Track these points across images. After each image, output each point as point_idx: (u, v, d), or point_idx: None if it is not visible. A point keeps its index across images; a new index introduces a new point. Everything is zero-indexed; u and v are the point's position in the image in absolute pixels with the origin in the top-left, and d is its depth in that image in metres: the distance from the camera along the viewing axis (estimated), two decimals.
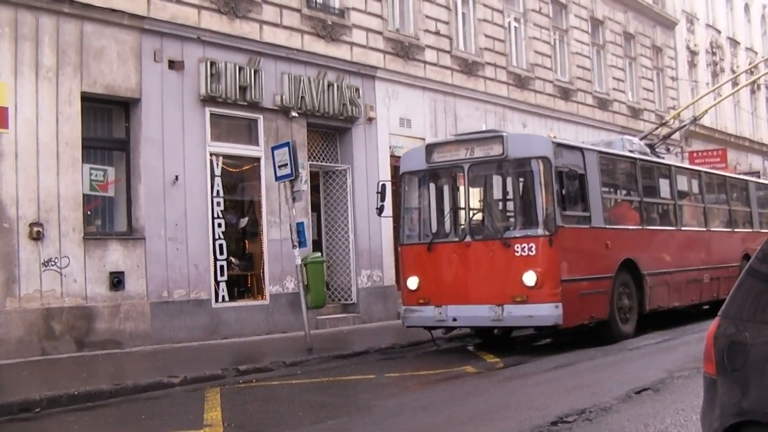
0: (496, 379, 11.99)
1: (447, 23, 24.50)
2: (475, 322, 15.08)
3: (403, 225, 16.20)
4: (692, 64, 40.70)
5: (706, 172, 22.20)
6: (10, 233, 14.24)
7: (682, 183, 20.07)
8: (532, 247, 14.16)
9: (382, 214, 16.73)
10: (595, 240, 15.38)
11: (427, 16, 23.72)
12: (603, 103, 32.72)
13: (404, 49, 22.75)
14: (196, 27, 17.34)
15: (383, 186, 16.54)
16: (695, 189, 20.91)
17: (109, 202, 16.45)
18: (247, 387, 12.08)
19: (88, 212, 15.83)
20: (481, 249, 14.78)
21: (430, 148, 15.79)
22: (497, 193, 16.75)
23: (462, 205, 15.41)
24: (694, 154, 36.64)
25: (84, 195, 15.49)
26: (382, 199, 16.36)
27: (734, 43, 45.31)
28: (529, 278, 14.04)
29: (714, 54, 42.73)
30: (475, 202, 15.72)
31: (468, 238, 14.86)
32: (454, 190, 16.06)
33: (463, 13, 25.58)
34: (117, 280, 15.59)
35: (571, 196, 14.38)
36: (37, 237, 14.47)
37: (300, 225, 15.68)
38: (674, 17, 38.97)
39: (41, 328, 14.50)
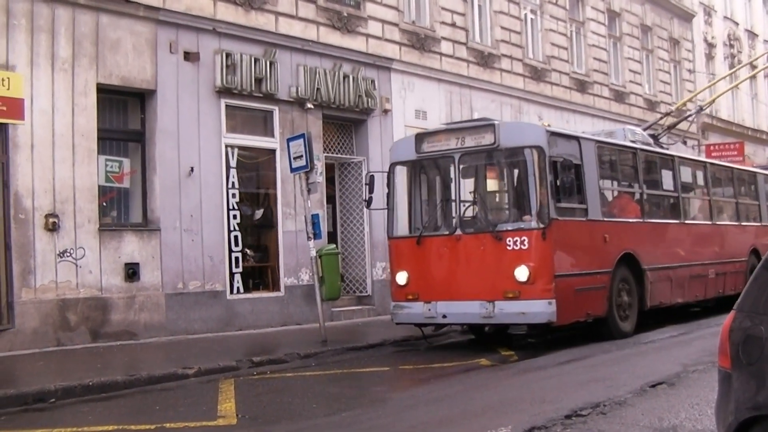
0: (511, 371, 11.97)
1: (463, 15, 24.43)
2: (466, 319, 14.55)
3: (392, 217, 15.62)
4: (710, 57, 40.50)
5: (711, 164, 21.57)
6: (26, 224, 14.28)
7: (687, 175, 19.37)
8: (524, 240, 13.59)
9: (371, 207, 16.18)
10: (593, 233, 14.81)
11: (443, 8, 23.66)
12: (619, 96, 32.60)
13: (420, 41, 22.71)
14: (211, 18, 17.34)
15: (371, 177, 16.02)
16: (700, 181, 20.23)
17: (125, 194, 16.47)
18: (262, 378, 12.09)
19: (104, 203, 15.87)
20: (472, 242, 14.19)
21: (420, 138, 15.22)
22: (489, 184, 16.32)
23: (452, 196, 14.69)
24: (711, 147, 36.50)
25: (99, 186, 15.52)
26: (371, 191, 15.90)
27: (752, 35, 45.08)
28: (522, 273, 13.47)
29: (732, 46, 42.51)
30: (466, 193, 15.28)
31: (458, 231, 14.29)
32: (445, 181, 15.40)
33: (479, 5, 25.51)
34: (132, 272, 15.63)
35: (566, 188, 13.79)
36: (52, 228, 14.51)
37: (315, 217, 15.67)
38: (692, 9, 38.78)
39: (56, 318, 14.54)
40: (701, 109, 24.35)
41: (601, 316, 14.73)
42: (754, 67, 36.41)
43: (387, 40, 21.69)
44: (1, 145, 14.20)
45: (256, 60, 17.98)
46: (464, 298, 14.03)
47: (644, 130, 19.89)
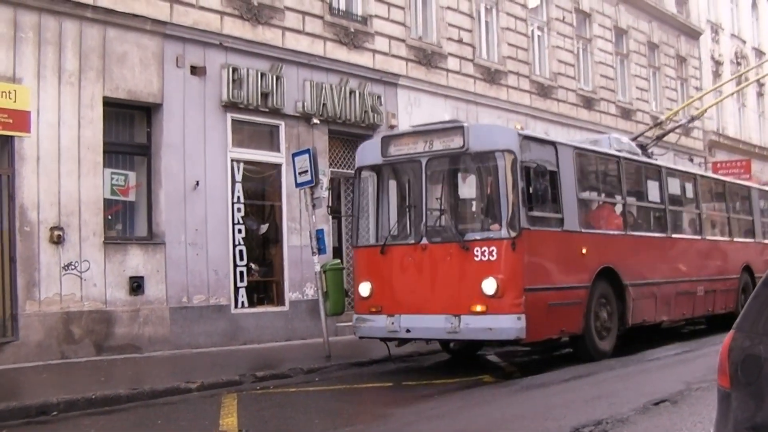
0: (514, 388, 11.93)
1: (470, 31, 24.48)
2: (430, 333, 13.68)
3: (356, 225, 14.87)
4: (717, 74, 40.49)
5: (702, 176, 20.61)
6: (31, 237, 14.31)
7: (675, 186, 18.29)
8: (493, 251, 12.64)
9: (334, 215, 15.61)
10: (569, 245, 13.94)
11: (450, 24, 23.71)
12: (626, 113, 32.61)
13: (427, 57, 22.75)
14: (218, 33, 17.41)
15: (333, 181, 15.27)
16: (690, 194, 19.14)
17: (130, 207, 16.52)
18: (264, 393, 12.07)
19: (109, 217, 15.91)
20: (439, 252, 13.21)
21: (387, 141, 14.24)
22: (458, 191, 15.24)
23: (419, 203, 13.72)
24: (718, 165, 36.46)
25: (105, 199, 15.58)
26: (334, 198, 15.22)
27: (759, 53, 45.05)
28: (489, 286, 12.52)
29: (739, 64, 42.48)
30: (434, 200, 14.31)
31: (424, 241, 13.30)
32: (412, 187, 14.33)
33: (486, 22, 25.58)
34: (137, 285, 15.66)
35: (539, 195, 12.84)
36: (57, 241, 14.54)
37: (320, 232, 15.70)
38: (699, 27, 38.83)
39: (61, 331, 14.56)
40: (692, 118, 23.27)
41: (578, 333, 14.07)
42: (761, 84, 36.43)
43: (394, 55, 21.74)
44: (7, 158, 14.25)
45: (262, 75, 18.03)
46: (429, 312, 13.13)
47: (632, 140, 19.04)
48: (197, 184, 16.73)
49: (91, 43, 15.32)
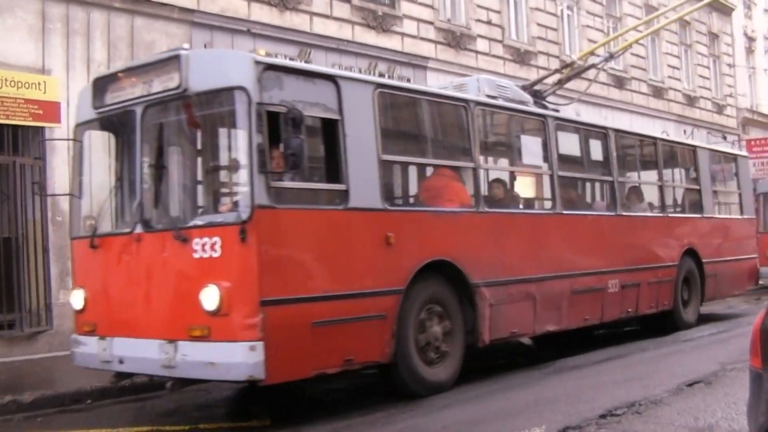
0: (546, 371, 11.85)
1: (499, 12, 24.38)
2: (144, 367, 9.08)
3: (77, 206, 10.54)
4: (750, 51, 40.09)
5: (618, 132, 14.84)
6: (63, 227, 14.36)
7: (570, 145, 13.68)
8: (215, 243, 8.41)
9: (51, 192, 12.76)
10: (360, 230, 9.44)
11: (478, 6, 23.62)
12: (658, 92, 32.36)
13: (456, 39, 22.67)
14: (246, 20, 17.42)
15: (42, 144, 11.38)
16: (596, 155, 14.24)
17: None
18: None
19: None
20: (155, 245, 8.97)
21: (100, 85, 9.82)
22: (184, 153, 10.28)
23: (133, 173, 9.70)
24: (753, 143, 36.11)
25: None
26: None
27: None
28: (209, 298, 8.29)
29: None
30: (152, 168, 9.57)
31: (138, 229, 9.12)
32: (127, 150, 9.91)
33: (515, 2, 25.46)
34: None
35: (293, 156, 8.26)
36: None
37: None
38: (731, 3, 38.45)
39: None
40: (611, 56, 17.04)
41: (384, 362, 9.64)
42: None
43: (422, 38, 21.68)
44: (38, 148, 14.32)
45: (290, 60, 18.00)
46: (144, 335, 8.91)
47: (530, 86, 14.89)
48: None
49: (119, 33, 15.37)
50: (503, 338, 11.54)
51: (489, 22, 23.97)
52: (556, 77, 16.03)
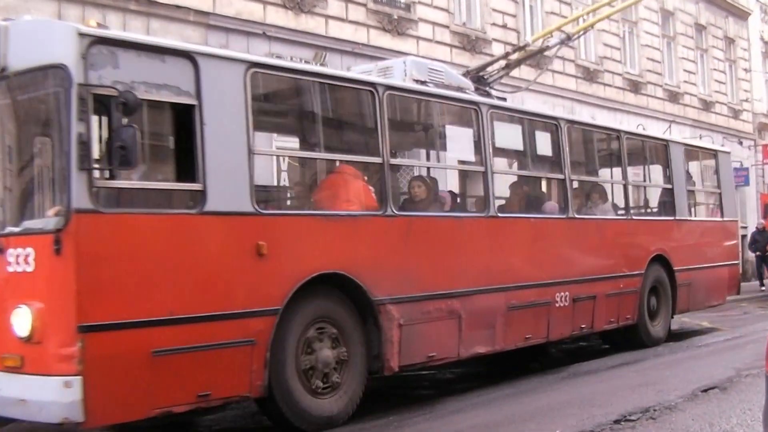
0: (560, 375, 11.84)
1: (514, 16, 24.36)
2: None
3: None
4: (766, 55, 39.97)
5: (570, 123, 13.08)
6: None
7: (511, 138, 12.25)
8: (28, 255, 7.06)
9: None
10: (221, 239, 7.88)
11: (494, 10, 23.60)
12: (673, 96, 32.26)
13: (471, 43, 22.65)
14: (261, 22, 17.44)
15: None
16: (545, 150, 12.72)
17: None
18: None
19: None
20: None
21: None
22: (5, 146, 8.24)
23: None
24: None
25: None
26: None
27: None
28: (20, 321, 6.99)
29: None
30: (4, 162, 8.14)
31: None
32: None
33: (530, 6, 25.42)
34: None
35: (126, 149, 6.86)
36: None
37: None
38: (747, 8, 38.31)
39: None
40: (568, 38, 15.22)
41: (253, 395, 8.21)
42: None
43: (438, 42, 21.67)
44: None
45: (306, 63, 18.03)
46: None
47: (475, 72, 13.31)
48: None
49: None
50: (418, 363, 9.87)
51: (504, 26, 23.91)
52: (503, 63, 14.21)
